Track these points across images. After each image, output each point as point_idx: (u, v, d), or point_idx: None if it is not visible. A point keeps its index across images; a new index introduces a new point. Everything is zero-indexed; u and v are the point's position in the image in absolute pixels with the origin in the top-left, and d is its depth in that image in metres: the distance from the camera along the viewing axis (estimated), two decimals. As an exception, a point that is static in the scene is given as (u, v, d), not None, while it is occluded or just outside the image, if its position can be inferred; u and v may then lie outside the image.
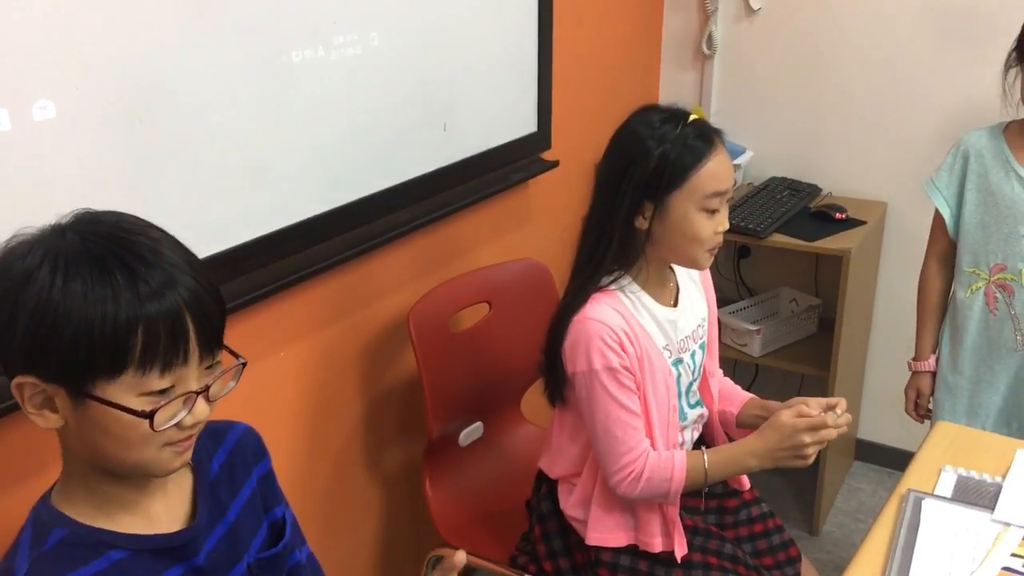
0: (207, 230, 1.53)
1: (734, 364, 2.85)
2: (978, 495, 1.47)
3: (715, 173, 1.48)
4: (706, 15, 2.79)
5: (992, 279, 1.91)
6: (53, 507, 0.98)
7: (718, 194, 1.49)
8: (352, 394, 1.97)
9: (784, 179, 2.81)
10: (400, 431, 2.11)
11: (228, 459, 1.12)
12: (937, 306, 2.06)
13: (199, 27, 1.44)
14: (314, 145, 1.69)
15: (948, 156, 1.96)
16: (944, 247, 2.01)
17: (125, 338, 0.88)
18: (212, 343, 0.95)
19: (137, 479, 1.00)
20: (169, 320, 0.90)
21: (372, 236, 1.87)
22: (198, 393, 0.95)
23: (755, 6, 2.72)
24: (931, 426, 1.75)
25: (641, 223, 1.51)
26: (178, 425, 0.95)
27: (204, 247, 1.52)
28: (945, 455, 1.58)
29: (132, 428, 0.92)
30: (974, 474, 1.52)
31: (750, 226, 2.56)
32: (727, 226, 1.54)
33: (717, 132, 1.53)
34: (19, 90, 1.21)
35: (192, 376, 0.94)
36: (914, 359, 2.09)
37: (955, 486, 1.50)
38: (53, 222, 0.94)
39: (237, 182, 1.56)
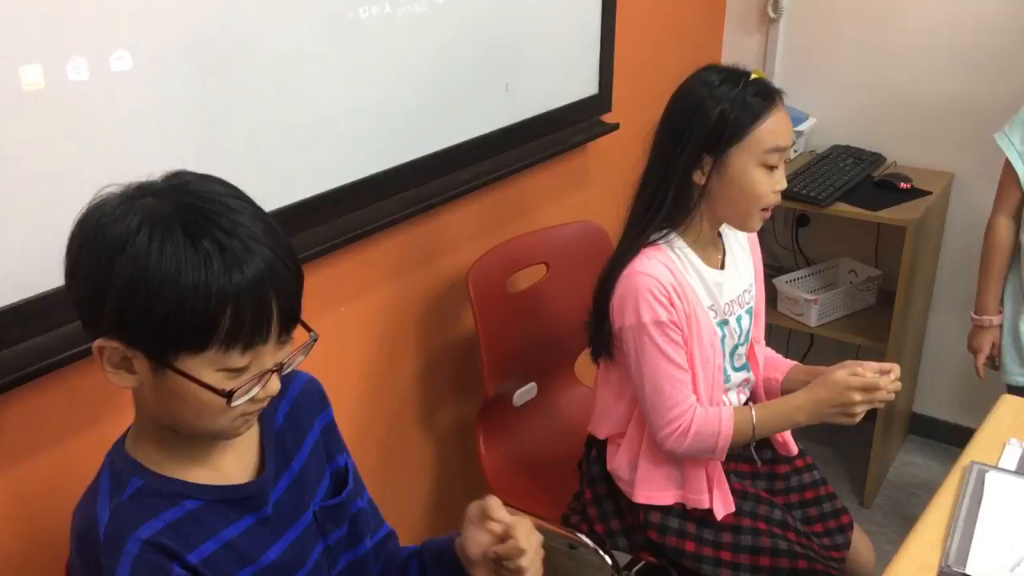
0: (274, 184, 1.55)
1: (789, 333, 2.83)
2: (1043, 469, 1.45)
3: (775, 129, 1.49)
4: (773, -23, 2.73)
5: None
6: (129, 455, 1.00)
7: (778, 149, 1.50)
8: (411, 350, 1.99)
9: (847, 147, 2.76)
10: (456, 388, 2.14)
11: (292, 410, 1.14)
12: (1007, 260, 2.01)
13: (269, -19, 1.45)
14: (379, 102, 1.70)
15: (1022, 111, 1.91)
16: (1015, 201, 1.96)
17: (214, 316, 0.88)
18: (291, 321, 0.95)
19: (203, 439, 1.02)
20: (256, 300, 0.89)
21: (433, 195, 1.88)
22: (272, 371, 0.96)
23: (824, -31, 2.66)
24: (997, 397, 1.72)
25: (699, 177, 1.52)
26: (251, 400, 0.96)
27: (271, 201, 1.54)
28: (1011, 428, 1.56)
29: (208, 402, 0.93)
30: (1040, 448, 1.50)
31: (811, 194, 2.52)
32: (784, 184, 1.54)
33: (777, 91, 1.53)
34: (97, 41, 1.23)
35: (268, 353, 0.94)
36: (978, 313, 2.02)
37: (1020, 459, 1.48)
38: (144, 181, 0.93)
39: (304, 137, 1.58)
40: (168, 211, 0.89)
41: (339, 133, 1.64)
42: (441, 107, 1.84)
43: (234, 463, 1.06)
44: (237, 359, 0.91)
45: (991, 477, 1.41)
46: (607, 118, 2.33)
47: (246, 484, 1.05)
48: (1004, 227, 2.00)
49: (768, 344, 1.82)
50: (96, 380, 1.34)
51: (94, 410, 1.38)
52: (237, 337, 0.89)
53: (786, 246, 2.91)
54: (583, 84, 2.23)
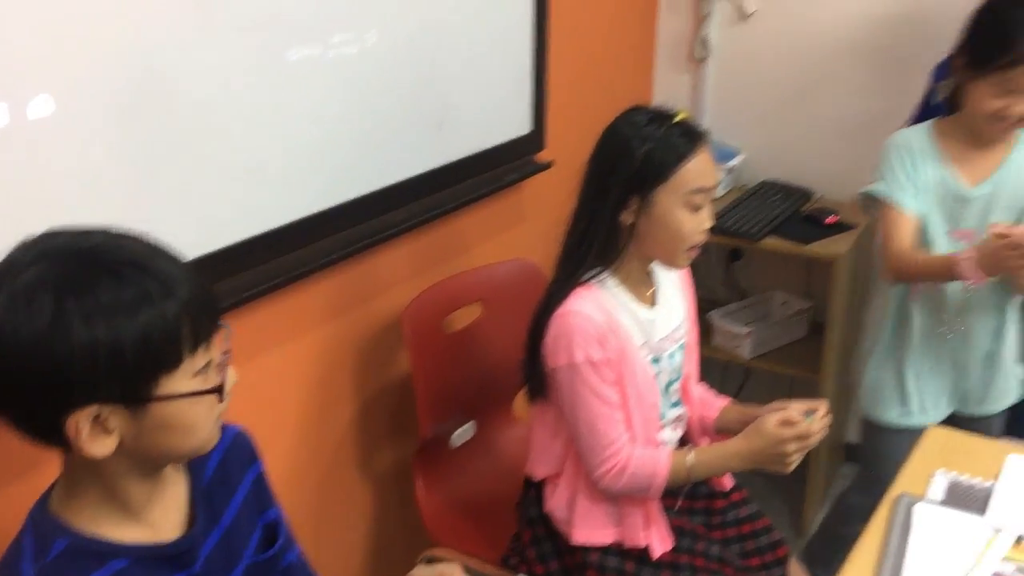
0: (204, 228, 1.53)
1: (725, 366, 2.86)
2: (969, 499, 1.48)
3: (699, 169, 1.51)
4: (700, 18, 2.80)
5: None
6: (53, 515, 0.97)
7: (702, 190, 1.52)
8: (346, 393, 1.97)
9: (776, 182, 2.83)
10: (392, 431, 2.11)
11: (222, 463, 1.12)
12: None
13: (197, 24, 1.44)
14: (310, 143, 1.69)
15: (891, 160, 1.91)
16: (911, 241, 1.90)
17: (176, 329, 0.91)
18: (220, 311, 1.00)
19: (151, 482, 1.00)
20: (201, 296, 0.94)
21: (367, 235, 1.87)
22: (224, 360, 1.00)
23: (749, 10, 2.73)
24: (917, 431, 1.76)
25: (627, 217, 1.54)
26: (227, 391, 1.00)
27: (201, 246, 1.51)
28: (937, 459, 1.60)
29: (199, 411, 0.96)
30: (966, 478, 1.53)
31: (742, 229, 2.57)
32: (710, 224, 1.57)
33: (702, 132, 1.56)
34: (17, 85, 1.21)
35: (215, 344, 0.98)
36: (957, 264, 1.78)
37: (947, 490, 1.51)
38: (19, 248, 0.91)
39: (234, 180, 1.56)
40: (79, 267, 0.89)
41: (270, 176, 1.62)
42: (374, 147, 1.84)
43: (164, 518, 1.03)
44: (203, 356, 0.95)
45: (919, 509, 1.44)
46: (541, 156, 2.35)
47: (175, 541, 1.02)
48: (913, 251, 1.92)
49: (704, 376, 1.85)
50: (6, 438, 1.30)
51: (8, 469, 1.33)
52: (198, 334, 0.93)
53: (720, 279, 2.96)
54: (516, 122, 2.25)
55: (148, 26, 1.36)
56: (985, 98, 1.77)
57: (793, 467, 1.53)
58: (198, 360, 0.94)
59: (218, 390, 0.97)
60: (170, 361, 0.91)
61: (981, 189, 1.88)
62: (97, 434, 0.91)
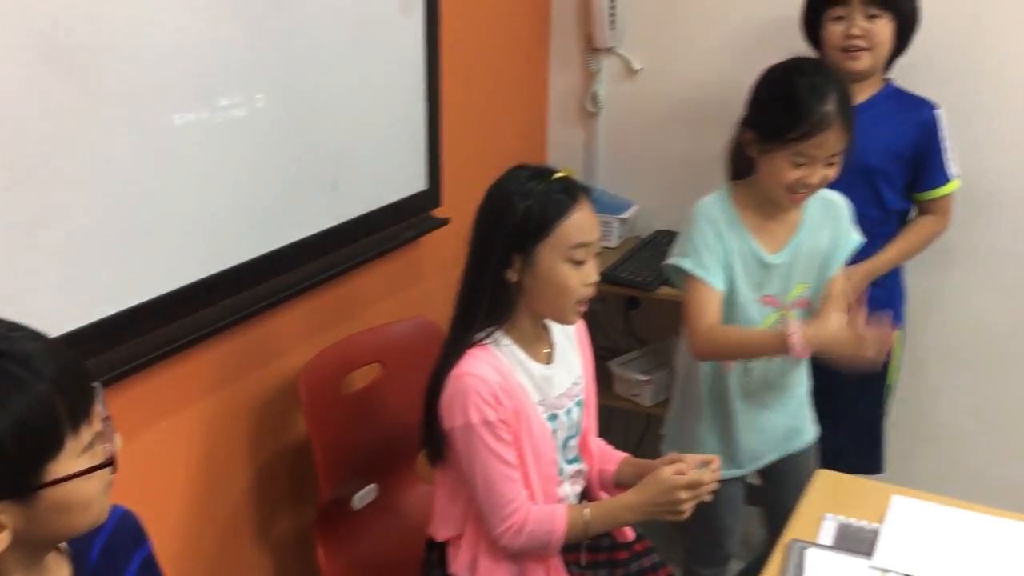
0: (88, 298, 1.48)
1: (626, 414, 2.89)
2: (858, 542, 1.53)
3: (580, 224, 1.54)
4: (590, 74, 2.87)
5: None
6: None
7: (583, 245, 1.55)
8: (241, 461, 1.91)
9: (669, 232, 2.89)
10: (292, 496, 2.06)
11: (107, 546, 1.08)
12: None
13: (79, 90, 1.41)
14: (200, 207, 1.66)
15: (695, 232, 1.89)
16: (718, 315, 1.90)
17: (52, 411, 0.89)
18: (91, 379, 0.97)
19: (34, 571, 0.97)
20: (70, 370, 0.92)
21: (261, 299, 1.84)
22: (107, 430, 0.97)
23: (636, 66, 2.82)
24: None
25: (512, 275, 1.55)
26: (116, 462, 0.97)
27: (84, 316, 1.47)
28: (826, 503, 1.64)
29: (91, 487, 0.93)
30: (853, 521, 1.58)
31: (638, 279, 2.62)
32: (595, 278, 1.59)
33: (583, 188, 1.59)
34: None
35: (96, 416, 0.96)
36: (788, 338, 1.78)
37: (836, 534, 1.56)
38: None
39: (119, 247, 1.52)
40: None
41: (158, 242, 1.59)
42: (266, 209, 1.82)
43: None
44: (85, 433, 0.93)
45: (810, 554, 1.48)
46: (438, 212, 2.36)
47: None
48: (724, 326, 1.91)
49: (607, 424, 1.87)
50: None
51: None
52: (75, 410, 0.91)
53: (618, 328, 3.00)
54: (412, 179, 2.26)
55: (26, 92, 1.33)
56: (781, 170, 1.78)
57: (686, 515, 1.56)
58: (82, 437, 0.92)
59: (108, 463, 0.94)
60: (53, 445, 0.89)
61: (780, 257, 1.91)
62: None
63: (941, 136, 2.20)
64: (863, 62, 2.13)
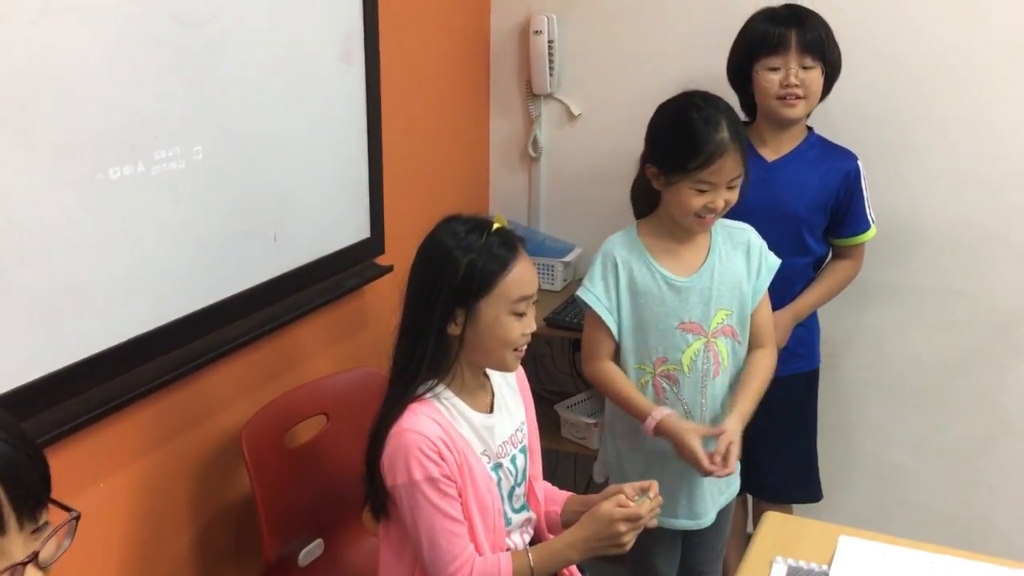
0: (15, 359, 1.43)
1: (574, 457, 2.89)
2: (808, 584, 1.54)
3: (520, 279, 1.55)
4: (530, 120, 2.90)
5: (657, 372, 1.99)
6: None
7: (524, 298, 1.56)
8: (181, 520, 1.86)
9: (612, 274, 2.91)
10: (235, 555, 2.01)
11: None
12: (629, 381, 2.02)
13: (9, 143, 1.38)
14: (136, 262, 1.63)
15: (597, 267, 1.99)
16: (611, 348, 2.00)
17: None
18: (31, 508, 0.87)
19: None
20: (19, 469, 0.83)
21: (200, 354, 1.80)
22: (24, 563, 0.86)
23: (575, 111, 2.86)
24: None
25: (454, 329, 1.55)
26: None
27: (16, 376, 1.42)
28: (775, 546, 1.65)
29: None
30: (803, 564, 1.59)
31: (582, 322, 2.62)
32: (534, 327, 1.61)
33: (520, 239, 1.60)
34: None
35: (16, 545, 0.85)
36: (644, 421, 1.92)
37: (786, 576, 1.57)
38: None
39: (50, 305, 1.48)
40: None
41: (89, 299, 1.55)
42: (205, 262, 1.79)
43: None
44: (17, 538, 0.83)
45: (762, 599, 1.48)
46: (381, 260, 2.35)
47: None
48: (611, 365, 2.01)
49: (554, 468, 1.86)
50: None
51: None
52: (19, 512, 0.82)
53: (565, 371, 3.01)
54: (355, 228, 2.24)
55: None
56: (687, 199, 1.87)
57: (628, 547, 1.56)
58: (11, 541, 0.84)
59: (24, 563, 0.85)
60: None
61: (695, 280, 1.97)
62: None
63: (863, 186, 2.29)
64: (799, 110, 2.20)
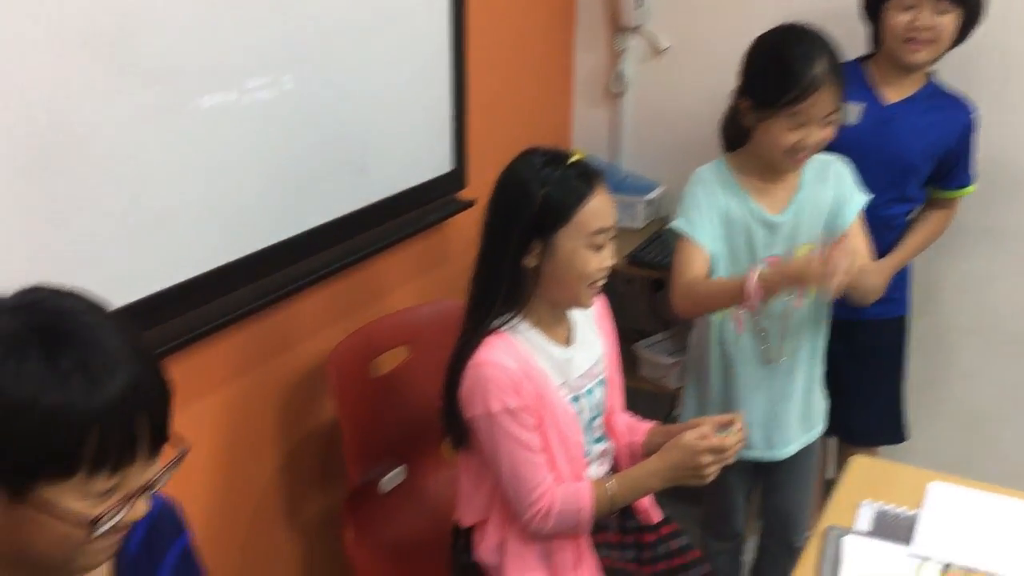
0: (114, 282, 1.47)
1: (652, 397, 2.87)
2: (896, 529, 1.51)
3: (597, 211, 1.53)
4: (616, 54, 2.83)
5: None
6: None
7: (602, 231, 1.54)
8: (269, 444, 1.91)
9: (695, 213, 2.86)
10: (320, 479, 2.06)
11: (147, 536, 1.06)
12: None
13: (107, 73, 1.40)
14: (226, 190, 1.65)
15: (689, 196, 1.94)
16: (701, 273, 1.91)
17: (79, 440, 0.82)
18: (160, 438, 0.90)
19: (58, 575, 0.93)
20: (123, 420, 0.84)
21: (287, 282, 1.83)
22: (141, 491, 0.90)
23: (662, 45, 2.78)
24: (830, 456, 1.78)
25: (530, 262, 1.54)
26: (115, 525, 0.88)
27: (112, 299, 1.45)
28: (863, 489, 1.63)
29: (71, 533, 0.86)
30: (891, 508, 1.56)
31: (663, 261, 2.59)
32: (612, 262, 1.59)
33: (598, 171, 1.58)
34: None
35: (137, 472, 0.88)
36: (745, 284, 1.76)
37: (873, 521, 1.54)
38: (11, 295, 0.87)
39: (146, 231, 1.51)
40: (21, 330, 0.83)
41: (183, 226, 1.58)
42: (293, 192, 1.80)
43: None
44: (103, 483, 0.85)
45: (848, 541, 1.46)
46: (463, 195, 2.34)
47: None
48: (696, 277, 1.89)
49: (632, 406, 1.85)
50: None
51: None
52: (104, 461, 0.84)
53: (643, 311, 2.98)
54: (438, 162, 2.24)
55: (52, 77, 1.32)
56: (779, 134, 1.81)
57: (709, 479, 1.55)
58: (98, 484, 0.85)
59: (92, 523, 0.85)
60: (56, 471, 0.83)
61: (784, 216, 1.93)
62: None
63: (974, 139, 2.20)
64: (923, 56, 2.10)
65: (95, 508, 0.85)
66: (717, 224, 1.92)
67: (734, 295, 1.80)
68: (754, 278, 1.74)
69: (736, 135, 1.96)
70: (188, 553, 1.12)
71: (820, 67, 1.77)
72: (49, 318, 0.85)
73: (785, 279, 1.75)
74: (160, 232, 1.53)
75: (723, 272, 1.95)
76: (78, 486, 0.84)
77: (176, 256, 1.58)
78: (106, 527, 0.87)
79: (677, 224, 1.94)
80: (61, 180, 1.35)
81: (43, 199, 1.33)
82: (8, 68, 1.25)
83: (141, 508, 0.91)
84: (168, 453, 0.94)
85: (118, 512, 0.88)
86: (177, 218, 1.56)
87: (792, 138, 1.81)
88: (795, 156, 1.85)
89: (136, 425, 0.86)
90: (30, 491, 0.83)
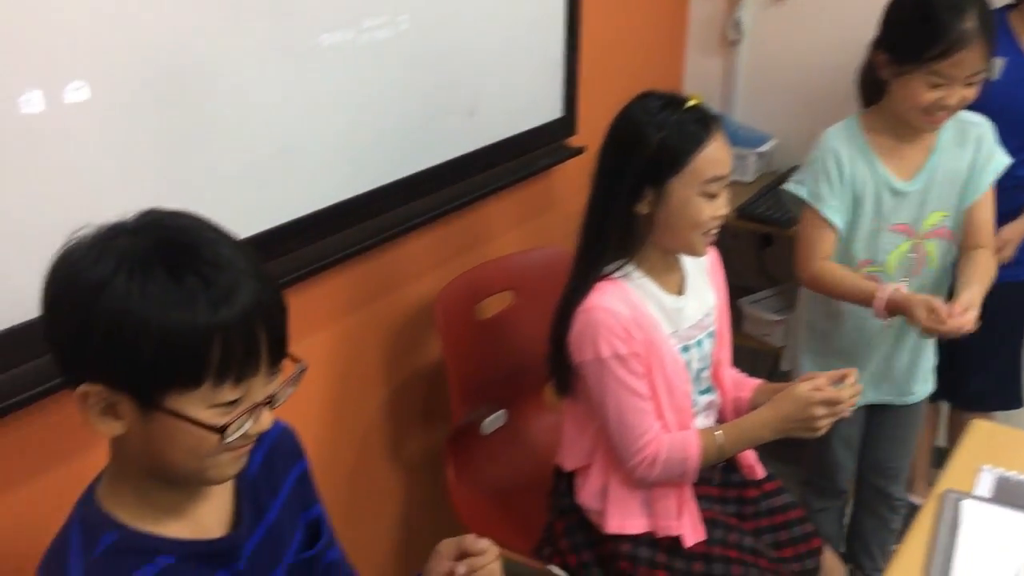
0: (233, 215, 1.47)
1: (754, 353, 2.82)
2: (1017, 496, 1.46)
3: (714, 158, 1.48)
4: (733, 0, 2.75)
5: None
6: (100, 508, 0.96)
7: (717, 179, 1.50)
8: (376, 380, 1.95)
9: (808, 168, 2.78)
10: (423, 418, 2.10)
11: (267, 459, 1.10)
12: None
13: (231, 9, 1.42)
14: (341, 130, 1.67)
15: (818, 163, 1.86)
16: (831, 248, 1.89)
17: (204, 351, 0.85)
18: (280, 351, 0.93)
19: (191, 485, 0.98)
20: (245, 331, 0.87)
21: (397, 223, 1.85)
22: (264, 403, 0.93)
23: (783, -9, 2.69)
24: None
25: (642, 208, 1.51)
26: (243, 435, 0.92)
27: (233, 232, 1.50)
28: (983, 454, 1.57)
29: (200, 440, 0.90)
30: (1013, 474, 1.50)
31: (773, 215, 2.53)
32: (727, 211, 1.54)
33: (715, 118, 1.53)
34: (53, 71, 1.19)
35: (259, 385, 0.92)
36: (875, 301, 1.79)
37: (995, 486, 1.49)
38: (116, 220, 0.90)
39: (265, 167, 1.54)
40: (146, 249, 0.86)
41: (300, 162, 1.60)
42: (405, 134, 1.81)
43: (209, 515, 1.02)
44: (229, 393, 0.89)
45: (967, 505, 1.42)
46: (573, 141, 2.32)
47: (220, 539, 1.01)
48: (831, 263, 1.90)
49: (733, 363, 1.82)
50: (55, 421, 1.30)
51: (54, 452, 1.33)
52: (228, 370, 0.87)
53: (750, 266, 2.92)
54: (548, 108, 2.22)
55: (181, 13, 1.34)
56: (918, 92, 1.71)
57: (821, 432, 1.51)
58: (224, 393, 0.88)
59: (221, 430, 0.89)
60: (183, 381, 0.86)
61: (914, 183, 1.84)
62: (106, 414, 0.89)
63: None
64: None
65: (222, 417, 0.89)
66: (847, 198, 1.86)
67: (862, 301, 1.81)
68: (883, 301, 1.75)
69: (873, 90, 1.86)
70: (306, 477, 1.16)
71: (970, 21, 1.65)
72: (172, 236, 0.88)
73: (908, 313, 1.74)
74: (279, 168, 1.56)
75: (844, 237, 1.89)
76: (205, 396, 0.88)
77: (292, 192, 1.60)
78: (234, 436, 0.91)
79: (804, 193, 1.87)
80: (186, 114, 1.38)
81: (169, 133, 1.36)
82: (136, 5, 1.28)
83: (266, 419, 0.94)
84: (287, 371, 0.97)
85: (245, 422, 0.92)
86: (295, 154, 1.59)
87: (931, 96, 1.71)
88: (933, 116, 1.75)
89: (257, 337, 0.89)
90: (161, 402, 0.87)
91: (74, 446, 1.33)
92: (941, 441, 2.61)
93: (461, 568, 1.07)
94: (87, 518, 0.95)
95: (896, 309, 1.77)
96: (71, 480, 1.02)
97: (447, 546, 1.11)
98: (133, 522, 0.95)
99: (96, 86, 1.24)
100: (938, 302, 1.70)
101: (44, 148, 1.20)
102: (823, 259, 1.89)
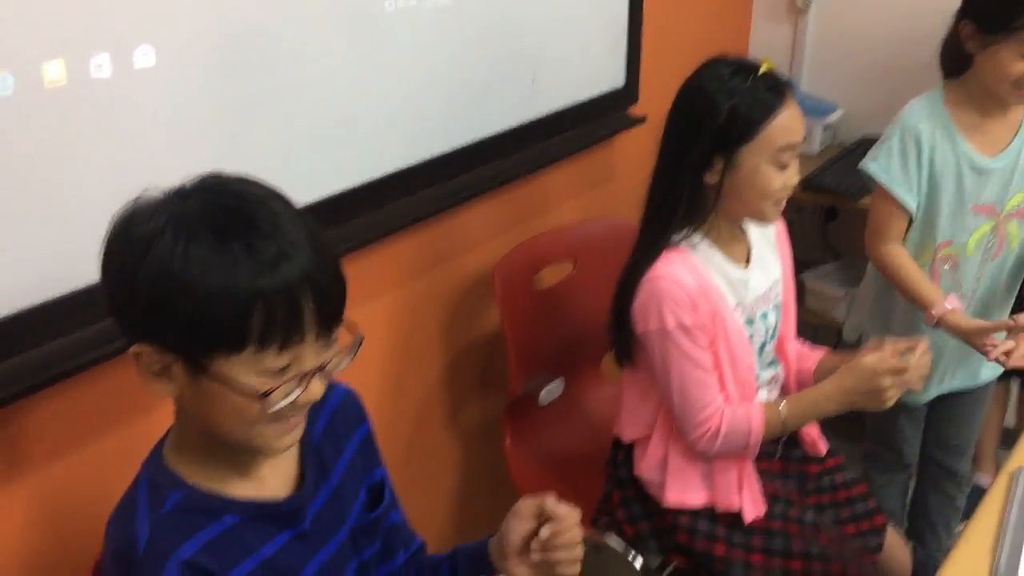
0: (296, 181, 1.48)
1: (816, 328, 2.78)
2: (1091, 475, 1.41)
3: (786, 126, 1.45)
4: (802, -34, 2.69)
5: (938, 255, 1.84)
6: (167, 466, 0.98)
7: (789, 147, 1.46)
8: (435, 347, 1.96)
9: (876, 139, 2.70)
10: (481, 386, 2.11)
11: (330, 421, 1.11)
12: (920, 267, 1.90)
13: (295, -24, 1.42)
14: (404, 97, 1.67)
15: (895, 140, 1.81)
16: (903, 230, 1.86)
17: (244, 314, 0.85)
18: (330, 321, 0.92)
19: (244, 453, 0.99)
20: (286, 296, 0.87)
21: (458, 190, 1.85)
22: (314, 372, 0.93)
23: (854, -43, 2.61)
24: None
25: (711, 177, 1.48)
26: (292, 404, 0.92)
27: (296, 197, 1.51)
28: (1054, 432, 1.52)
29: (246, 406, 0.90)
30: (1086, 453, 1.46)
31: (840, 188, 2.47)
32: (797, 179, 1.51)
33: (788, 84, 1.49)
34: (121, 37, 1.21)
35: (309, 353, 0.92)
36: (932, 310, 1.79)
37: (1068, 465, 1.45)
38: (179, 184, 0.91)
39: (328, 133, 1.55)
40: (197, 212, 0.87)
41: (363, 130, 1.61)
42: (467, 101, 1.81)
43: (273, 476, 1.03)
44: (275, 360, 0.88)
45: (1039, 483, 1.38)
46: (634, 111, 2.29)
47: (285, 500, 1.02)
48: (901, 249, 1.87)
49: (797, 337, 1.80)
50: (121, 382, 1.33)
51: (120, 412, 1.36)
52: (271, 337, 0.87)
53: (814, 240, 2.87)
54: (610, 76, 2.20)
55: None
56: (1006, 63, 1.65)
57: (890, 403, 1.48)
58: (269, 359, 0.88)
59: (263, 395, 0.89)
60: (230, 342, 0.87)
61: (1000, 160, 1.78)
62: (160, 375, 0.90)
63: None
64: None
65: (267, 384, 0.89)
66: (924, 181, 1.81)
67: (918, 304, 1.81)
68: (934, 320, 1.76)
69: (957, 62, 1.79)
70: (369, 440, 1.17)
71: None
72: (226, 202, 0.89)
73: (961, 335, 1.75)
74: (342, 134, 1.57)
75: (917, 223, 1.85)
76: (249, 361, 0.88)
77: (353, 159, 1.61)
78: (280, 404, 0.91)
79: (877, 169, 1.83)
80: (250, 81, 1.39)
81: (233, 98, 1.38)
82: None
83: (316, 389, 0.93)
84: (345, 340, 0.97)
85: (292, 389, 0.91)
86: (358, 121, 1.59)
87: (1021, 68, 1.65)
88: (1021, 89, 1.69)
89: (301, 306, 0.88)
90: (207, 364, 0.88)
91: (143, 405, 1.36)
92: (1010, 421, 2.55)
93: (544, 531, 1.05)
94: (154, 476, 0.97)
95: (949, 331, 1.77)
96: (139, 439, 1.04)
97: (527, 506, 1.09)
98: (199, 481, 0.97)
99: (161, 52, 1.25)
100: (993, 337, 1.70)
101: (113, 113, 1.22)
102: (893, 241, 1.85)
